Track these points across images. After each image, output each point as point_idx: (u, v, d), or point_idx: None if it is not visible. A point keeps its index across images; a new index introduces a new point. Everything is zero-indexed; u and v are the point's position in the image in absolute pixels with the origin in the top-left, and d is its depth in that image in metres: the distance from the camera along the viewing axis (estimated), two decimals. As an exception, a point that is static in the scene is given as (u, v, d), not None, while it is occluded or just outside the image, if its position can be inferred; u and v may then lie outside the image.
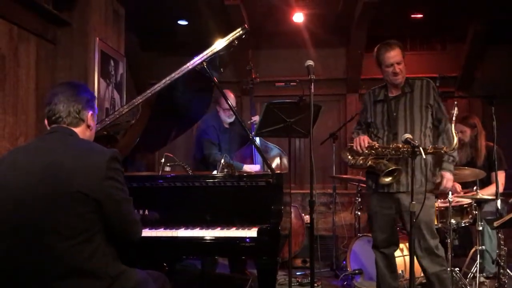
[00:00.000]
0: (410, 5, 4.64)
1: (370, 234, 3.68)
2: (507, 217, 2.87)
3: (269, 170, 2.45)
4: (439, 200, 3.52)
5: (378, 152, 2.74)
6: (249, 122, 3.93)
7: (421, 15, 4.88)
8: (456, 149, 2.66)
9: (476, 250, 3.35)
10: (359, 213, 4.28)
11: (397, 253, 3.18)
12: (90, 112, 1.81)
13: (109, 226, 1.65)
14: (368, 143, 2.77)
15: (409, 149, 2.56)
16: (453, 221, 3.37)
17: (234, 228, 2.23)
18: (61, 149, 1.64)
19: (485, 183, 3.76)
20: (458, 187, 3.84)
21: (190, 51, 2.83)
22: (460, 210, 3.54)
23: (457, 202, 3.56)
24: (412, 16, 4.88)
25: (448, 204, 3.32)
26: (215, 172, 2.65)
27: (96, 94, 3.66)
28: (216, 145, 3.68)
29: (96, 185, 1.57)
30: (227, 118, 3.82)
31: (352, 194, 5.02)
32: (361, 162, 2.79)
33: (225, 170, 2.50)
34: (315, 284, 3.62)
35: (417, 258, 2.78)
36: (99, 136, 2.28)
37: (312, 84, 2.48)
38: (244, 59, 5.06)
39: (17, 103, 3.25)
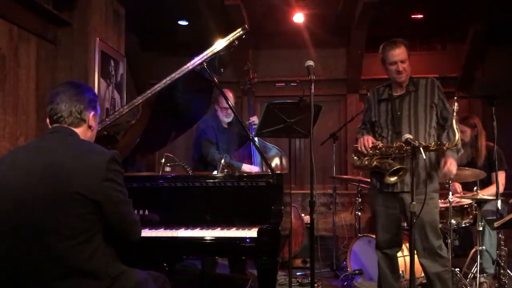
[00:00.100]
0: (410, 5, 4.64)
1: (370, 235, 3.69)
2: (507, 218, 2.88)
3: (269, 170, 2.45)
4: (439, 201, 3.52)
5: (383, 152, 2.72)
6: (247, 123, 3.92)
7: (421, 15, 4.88)
8: (458, 145, 2.61)
9: (476, 251, 3.35)
10: (359, 213, 4.28)
11: (398, 253, 3.17)
12: (92, 113, 1.80)
13: (109, 226, 1.65)
14: (372, 143, 2.75)
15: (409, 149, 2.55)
16: (453, 221, 3.37)
17: (234, 228, 2.22)
18: (61, 150, 1.64)
19: (485, 183, 3.75)
20: (459, 187, 3.85)
21: (190, 51, 2.84)
22: (461, 211, 3.54)
23: (458, 202, 3.57)
24: (412, 16, 4.88)
25: (448, 204, 3.32)
26: (215, 172, 2.65)
27: (96, 93, 3.66)
28: (214, 145, 3.68)
29: (96, 186, 1.57)
30: (225, 118, 3.81)
31: (352, 194, 5.02)
32: (366, 162, 2.78)
33: (225, 170, 2.50)
34: (315, 285, 3.61)
35: (418, 258, 2.78)
36: (99, 136, 2.28)
37: (312, 84, 2.49)
38: (244, 59, 5.06)
39: (17, 103, 3.25)
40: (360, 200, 4.31)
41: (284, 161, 4.03)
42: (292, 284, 3.01)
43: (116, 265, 1.68)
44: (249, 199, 2.33)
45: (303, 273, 4.29)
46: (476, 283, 3.27)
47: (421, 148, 2.43)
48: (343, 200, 5.30)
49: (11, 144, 3.12)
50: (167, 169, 2.62)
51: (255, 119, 3.92)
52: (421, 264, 2.79)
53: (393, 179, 2.66)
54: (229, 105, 2.69)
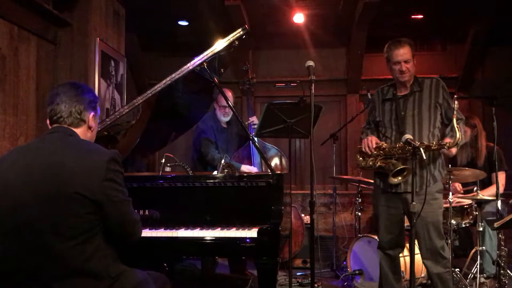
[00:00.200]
0: (410, 5, 4.64)
1: (370, 235, 3.69)
2: (507, 218, 2.88)
3: (269, 170, 2.45)
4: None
5: (386, 152, 2.71)
6: (246, 123, 3.92)
7: (421, 16, 4.88)
8: (459, 144, 2.59)
9: (476, 251, 3.35)
10: (359, 213, 4.27)
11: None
12: (92, 113, 1.80)
13: (109, 226, 1.65)
14: (376, 143, 2.74)
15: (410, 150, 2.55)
16: (453, 221, 3.37)
17: (234, 229, 2.23)
18: (61, 150, 1.64)
19: (485, 183, 3.76)
20: (459, 186, 3.85)
21: (190, 52, 2.84)
22: (461, 211, 3.54)
23: (458, 202, 3.57)
24: (412, 16, 4.88)
25: (448, 205, 3.32)
26: (215, 172, 2.66)
27: (96, 94, 3.66)
28: (214, 144, 3.68)
29: (96, 186, 1.57)
30: (223, 117, 3.80)
31: (352, 194, 5.01)
32: (370, 163, 2.77)
33: (226, 170, 2.50)
34: (315, 285, 3.61)
35: (421, 258, 2.78)
36: (99, 136, 2.28)
37: (313, 84, 2.49)
38: (244, 59, 5.06)
39: (18, 103, 3.25)
40: (360, 200, 4.30)
41: (283, 161, 4.03)
42: (292, 284, 3.01)
43: (116, 265, 1.68)
44: (249, 199, 2.33)
45: (303, 273, 4.29)
46: (476, 284, 3.27)
47: (421, 148, 2.43)
48: (343, 200, 5.30)
49: (11, 144, 3.13)
50: (167, 169, 2.63)
51: (254, 120, 3.92)
52: (424, 265, 2.79)
53: (396, 179, 2.65)
54: (228, 104, 2.69)
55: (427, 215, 2.67)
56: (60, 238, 1.54)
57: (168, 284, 1.95)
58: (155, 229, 2.25)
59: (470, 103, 5.50)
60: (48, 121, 1.77)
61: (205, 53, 2.44)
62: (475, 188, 3.41)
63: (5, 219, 1.57)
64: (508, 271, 3.35)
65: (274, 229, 2.16)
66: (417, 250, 3.38)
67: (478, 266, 3.30)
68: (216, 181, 2.38)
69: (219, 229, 2.24)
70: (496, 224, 2.93)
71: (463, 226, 3.56)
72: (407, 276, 2.92)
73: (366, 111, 4.50)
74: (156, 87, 2.44)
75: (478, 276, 3.28)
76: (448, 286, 2.71)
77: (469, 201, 3.51)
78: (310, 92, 2.49)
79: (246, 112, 4.15)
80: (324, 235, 4.89)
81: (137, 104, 2.46)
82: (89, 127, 1.81)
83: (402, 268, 3.42)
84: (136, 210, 1.83)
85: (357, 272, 3.72)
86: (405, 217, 2.86)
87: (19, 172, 1.60)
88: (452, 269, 3.26)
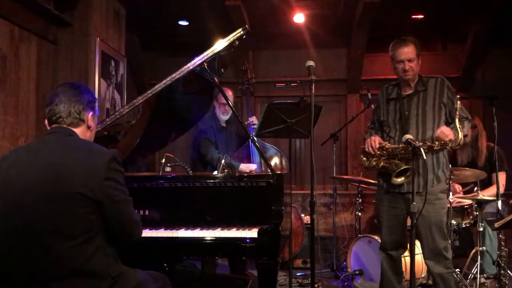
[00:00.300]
0: (411, 5, 4.64)
1: (370, 235, 3.69)
2: (507, 218, 2.88)
3: (269, 170, 2.45)
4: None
5: (389, 152, 2.70)
6: (246, 123, 3.91)
7: (421, 16, 4.88)
8: (461, 143, 2.58)
9: (476, 251, 3.35)
10: (359, 213, 4.27)
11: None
12: (91, 113, 1.80)
13: (109, 226, 1.65)
14: (379, 143, 2.73)
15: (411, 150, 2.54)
16: (453, 222, 3.36)
17: (234, 229, 2.22)
18: (61, 150, 1.64)
19: (486, 184, 3.75)
20: (459, 187, 3.85)
21: (191, 52, 2.84)
22: (461, 211, 3.54)
23: (458, 203, 3.57)
24: (412, 17, 4.88)
25: (449, 205, 3.31)
26: (215, 172, 2.65)
27: (96, 94, 3.67)
28: (213, 144, 3.68)
29: (96, 186, 1.57)
30: (222, 115, 3.79)
31: (352, 194, 5.01)
32: (374, 163, 2.76)
33: (226, 170, 2.50)
34: (316, 285, 3.60)
35: (423, 258, 2.78)
36: (99, 136, 2.28)
37: (313, 84, 2.49)
38: (244, 59, 5.06)
39: (18, 103, 3.25)
40: (360, 200, 4.30)
41: (283, 161, 4.03)
42: (292, 285, 3.01)
43: (117, 265, 1.68)
44: (249, 199, 2.33)
45: (303, 273, 4.29)
46: (476, 284, 3.27)
47: (421, 148, 2.42)
48: (343, 200, 5.30)
49: (12, 144, 3.13)
50: (168, 169, 2.62)
51: (253, 120, 3.91)
52: (427, 265, 2.78)
53: (399, 179, 2.64)
54: (228, 104, 2.68)
55: (430, 215, 2.67)
56: (60, 238, 1.54)
57: (168, 284, 1.95)
58: (155, 229, 2.25)
59: (471, 103, 5.50)
60: (46, 122, 1.77)
61: (205, 53, 2.44)
62: (475, 188, 3.41)
63: (6, 219, 1.57)
64: (509, 271, 3.34)
65: (274, 229, 2.16)
66: (418, 250, 3.40)
67: (478, 267, 3.30)
68: (216, 181, 2.38)
69: (219, 229, 2.24)
70: (496, 224, 2.93)
71: (463, 226, 3.56)
72: (407, 276, 2.92)
73: (366, 111, 4.53)
74: (156, 87, 2.44)
75: (478, 276, 3.28)
76: (449, 286, 2.71)
77: (469, 201, 3.51)
78: (311, 92, 2.49)
79: (245, 112, 4.14)
80: (324, 235, 4.89)
81: (137, 104, 2.46)
82: (88, 127, 1.81)
83: (403, 268, 3.42)
84: (136, 210, 1.83)
85: (357, 272, 3.72)
86: (408, 217, 2.85)
87: (19, 172, 1.60)
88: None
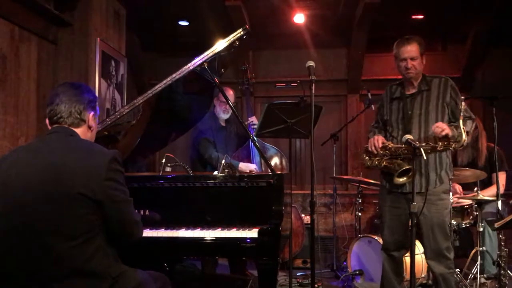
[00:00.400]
0: (411, 6, 4.64)
1: (370, 235, 3.69)
2: (507, 218, 2.88)
3: (269, 170, 2.45)
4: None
5: (392, 152, 2.69)
6: (246, 123, 3.91)
7: (422, 16, 4.88)
8: (464, 145, 2.56)
9: (476, 251, 3.34)
10: (359, 213, 4.27)
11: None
12: (92, 113, 1.80)
13: (109, 226, 1.65)
14: (382, 143, 2.72)
15: (411, 150, 2.54)
16: (454, 222, 3.36)
17: (234, 229, 2.22)
18: (61, 150, 1.64)
19: (486, 184, 3.75)
20: (459, 188, 3.84)
21: (191, 52, 2.84)
22: (461, 211, 3.54)
23: (458, 203, 3.57)
24: (413, 17, 4.88)
25: (449, 205, 3.31)
26: (215, 172, 2.65)
27: (97, 94, 3.67)
28: (212, 143, 3.68)
29: (97, 186, 1.57)
30: (222, 114, 3.78)
31: (352, 194, 5.01)
32: (376, 162, 2.75)
33: (226, 170, 2.50)
34: (316, 285, 3.61)
35: (425, 258, 2.79)
36: (99, 136, 2.28)
37: (313, 84, 2.49)
38: (244, 59, 5.06)
39: (18, 103, 3.25)
40: (360, 200, 4.30)
41: (283, 161, 4.03)
42: (292, 285, 3.01)
43: (117, 265, 1.68)
44: (249, 199, 2.33)
45: (303, 273, 4.29)
46: (476, 284, 3.27)
47: (421, 149, 2.42)
48: (344, 200, 5.30)
49: (12, 144, 3.13)
50: (168, 169, 2.62)
51: (253, 120, 3.91)
52: (428, 265, 2.78)
53: (401, 179, 2.63)
54: (229, 104, 2.68)
55: (432, 215, 2.67)
56: (60, 238, 1.54)
57: (168, 284, 1.95)
58: (156, 229, 2.25)
59: (471, 103, 5.50)
60: (47, 121, 1.77)
61: (205, 53, 2.43)
62: (475, 189, 3.41)
63: (5, 219, 1.57)
64: (509, 271, 3.34)
65: (274, 229, 2.16)
66: (418, 251, 3.40)
67: (478, 267, 3.30)
68: (216, 181, 2.38)
69: (219, 229, 2.24)
70: (496, 225, 2.93)
71: (464, 226, 3.56)
72: (408, 276, 2.92)
73: (366, 112, 4.53)
74: (156, 87, 2.44)
75: (478, 276, 3.28)
76: (451, 287, 2.71)
77: (469, 202, 3.51)
78: (311, 92, 2.49)
79: (245, 112, 4.14)
80: (324, 235, 4.89)
81: (137, 104, 2.46)
82: (89, 127, 1.81)
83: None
84: (136, 210, 1.83)
85: (357, 272, 3.72)
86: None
87: (19, 172, 1.60)
88: (453, 269, 3.26)
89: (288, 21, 4.85)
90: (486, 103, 3.98)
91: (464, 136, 2.50)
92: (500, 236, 3.36)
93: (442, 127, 2.54)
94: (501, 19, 4.74)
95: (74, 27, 3.68)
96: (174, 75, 2.43)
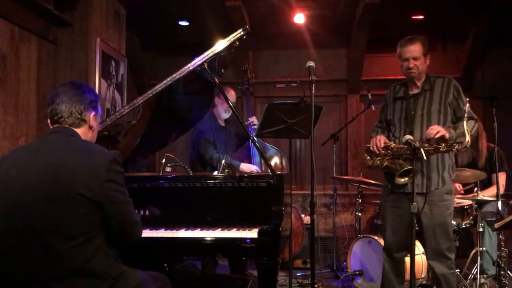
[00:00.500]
0: (411, 6, 4.64)
1: (370, 235, 3.69)
2: (507, 219, 2.88)
3: (269, 170, 2.45)
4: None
5: (394, 152, 2.68)
6: (246, 123, 3.90)
7: (421, 16, 4.88)
8: (468, 146, 2.56)
9: (476, 251, 3.34)
10: (359, 214, 4.27)
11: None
12: (93, 113, 1.80)
13: (109, 227, 1.64)
14: (384, 143, 2.71)
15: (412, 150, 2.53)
16: (453, 222, 3.36)
17: (234, 229, 2.23)
18: (62, 150, 1.64)
19: (486, 184, 3.75)
20: (459, 186, 3.85)
21: (191, 52, 2.84)
22: (461, 211, 3.54)
23: (458, 203, 3.56)
24: (412, 17, 4.88)
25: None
26: (215, 172, 2.65)
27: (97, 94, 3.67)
28: (212, 144, 3.67)
29: (97, 187, 1.57)
30: (224, 112, 3.77)
31: (352, 195, 5.02)
32: (378, 162, 2.75)
33: (226, 170, 2.50)
34: (316, 285, 3.61)
35: (426, 258, 2.78)
36: (99, 136, 2.28)
37: (313, 85, 2.49)
38: (245, 60, 5.06)
39: (18, 103, 3.25)
40: (360, 200, 4.30)
41: (283, 161, 4.03)
42: (292, 285, 3.01)
43: (117, 265, 1.68)
44: (249, 199, 2.33)
45: (303, 273, 4.29)
46: (476, 284, 3.27)
47: (421, 149, 2.42)
48: (344, 200, 5.30)
49: (12, 144, 3.13)
50: (168, 169, 2.62)
51: (254, 120, 3.91)
52: (429, 265, 2.78)
53: (403, 180, 2.62)
54: (228, 104, 2.68)
55: (434, 216, 2.66)
56: (60, 238, 1.54)
57: (168, 284, 1.95)
58: (156, 230, 2.25)
59: (471, 103, 5.50)
60: (49, 121, 1.77)
61: (205, 53, 2.44)
62: (475, 189, 3.41)
63: (5, 219, 1.57)
64: (508, 271, 3.35)
65: (274, 229, 2.16)
66: (418, 251, 3.40)
67: (478, 267, 3.30)
68: (216, 181, 2.38)
69: (219, 229, 2.24)
70: (496, 225, 2.93)
71: (464, 226, 3.56)
72: (408, 277, 2.92)
73: (366, 112, 4.54)
74: (156, 87, 2.44)
75: (478, 276, 3.28)
76: (452, 287, 2.71)
77: (469, 202, 3.51)
78: (311, 93, 2.49)
79: (245, 112, 4.14)
80: (324, 236, 4.89)
81: (137, 104, 2.46)
82: (90, 127, 1.80)
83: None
84: (136, 211, 1.83)
85: (357, 272, 3.72)
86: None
87: (19, 172, 1.59)
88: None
89: (288, 21, 4.85)
90: (486, 103, 3.98)
91: (467, 137, 2.49)
92: (500, 236, 3.36)
93: (436, 129, 2.53)
94: (501, 19, 4.74)
95: (74, 27, 3.68)
96: (174, 75, 2.43)
